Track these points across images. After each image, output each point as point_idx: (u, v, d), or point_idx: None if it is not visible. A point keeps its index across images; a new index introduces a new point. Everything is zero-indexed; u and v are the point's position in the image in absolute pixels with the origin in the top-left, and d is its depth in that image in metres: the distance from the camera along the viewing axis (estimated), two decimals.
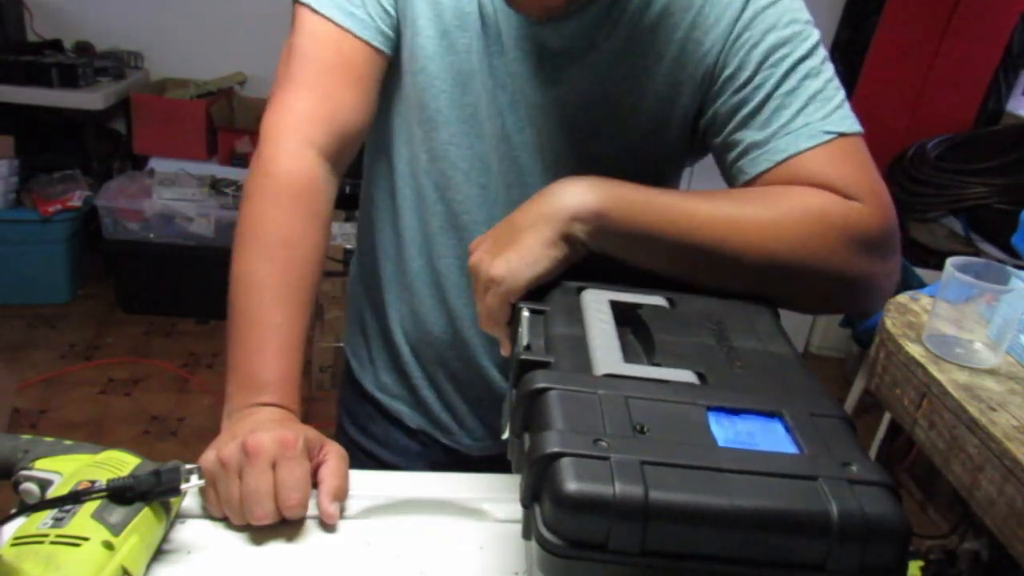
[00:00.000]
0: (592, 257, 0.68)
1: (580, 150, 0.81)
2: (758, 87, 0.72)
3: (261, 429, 0.64)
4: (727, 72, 0.74)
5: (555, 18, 0.75)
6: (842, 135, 0.71)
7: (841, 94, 0.73)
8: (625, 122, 0.79)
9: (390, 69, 0.83)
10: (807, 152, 0.70)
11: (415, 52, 0.79)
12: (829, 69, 0.73)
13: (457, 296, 0.89)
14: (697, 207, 0.67)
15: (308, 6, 0.77)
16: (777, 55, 0.72)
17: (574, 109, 0.79)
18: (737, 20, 0.73)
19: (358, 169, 0.95)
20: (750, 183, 0.73)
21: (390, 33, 0.79)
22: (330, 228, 0.80)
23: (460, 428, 0.98)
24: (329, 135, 0.78)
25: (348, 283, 1.05)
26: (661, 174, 0.84)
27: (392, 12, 0.79)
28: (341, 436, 1.07)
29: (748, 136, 0.73)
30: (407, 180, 0.87)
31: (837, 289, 0.69)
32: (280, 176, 0.76)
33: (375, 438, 1.02)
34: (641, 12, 0.75)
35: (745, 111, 0.73)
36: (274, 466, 0.62)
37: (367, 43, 0.78)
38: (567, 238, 0.65)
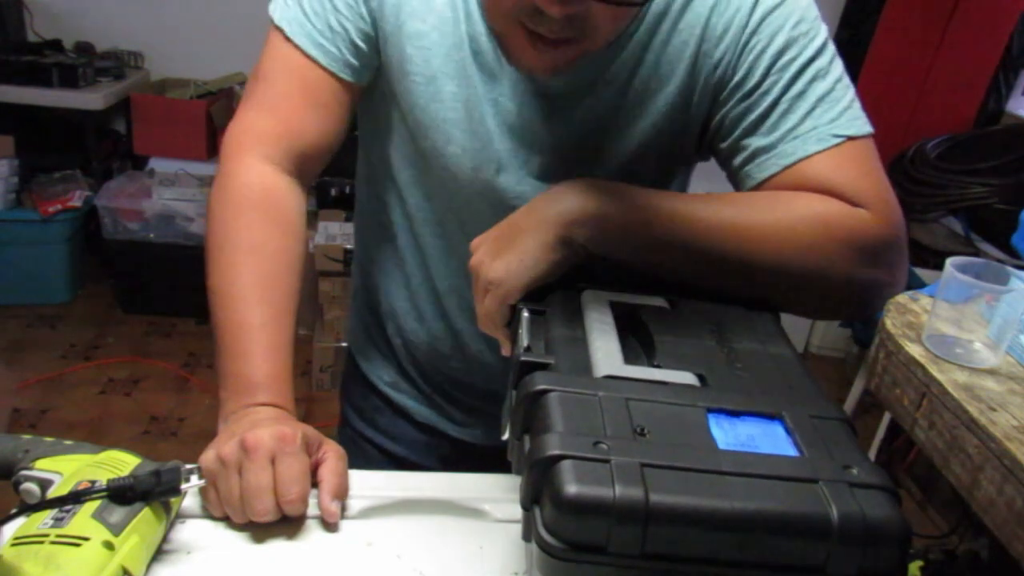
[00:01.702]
0: (594, 259, 0.67)
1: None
2: (765, 92, 0.71)
3: (259, 426, 0.64)
4: (736, 78, 0.73)
5: (538, 75, 0.74)
6: (851, 138, 0.70)
7: (850, 93, 0.72)
8: (634, 139, 0.78)
9: (380, 102, 0.83)
10: (815, 156, 0.69)
11: (403, 95, 0.79)
12: (838, 68, 0.72)
13: (459, 315, 0.89)
14: (699, 212, 0.67)
15: (281, 31, 0.78)
16: (785, 58, 0.71)
17: (577, 146, 0.78)
18: (745, 27, 0.72)
19: (355, 169, 0.95)
20: (757, 188, 0.73)
21: (358, 65, 0.79)
22: (301, 234, 0.81)
23: (465, 420, 0.98)
24: (287, 153, 0.79)
25: (352, 279, 1.05)
26: (665, 179, 0.84)
27: (364, 47, 0.78)
28: (346, 430, 1.07)
29: (755, 141, 0.72)
30: (399, 206, 0.87)
31: (840, 297, 0.69)
32: (238, 189, 0.77)
33: (384, 431, 1.02)
34: (648, 37, 0.74)
35: (753, 117, 0.72)
36: (273, 462, 0.62)
37: (333, 74, 0.78)
38: (567, 242, 0.65)
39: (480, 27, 0.75)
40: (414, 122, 0.79)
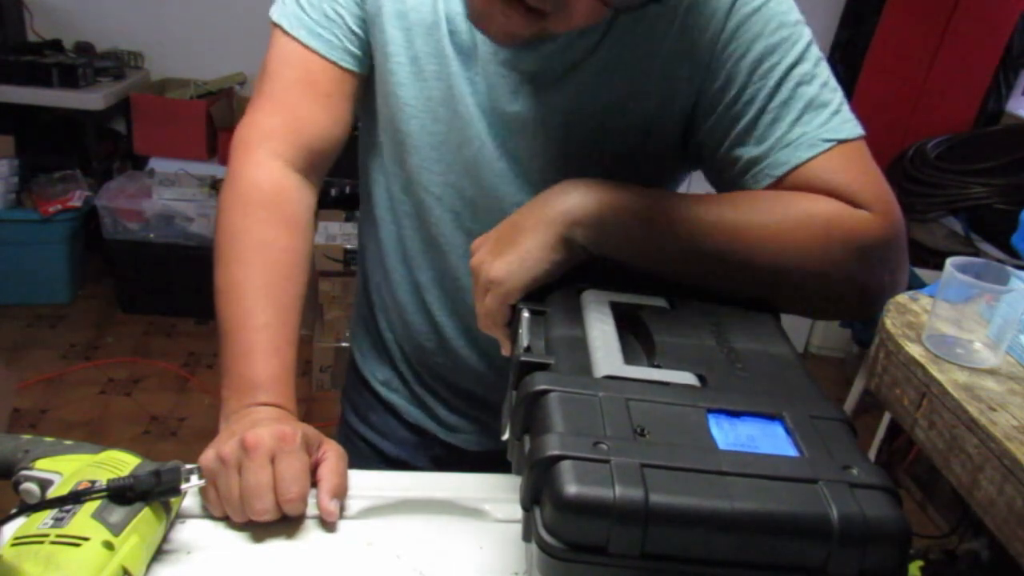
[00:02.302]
0: (594, 259, 0.67)
1: (564, 172, 0.80)
2: (749, 101, 0.70)
3: (260, 425, 0.64)
4: (716, 85, 0.72)
5: (524, 45, 0.73)
6: (842, 141, 0.69)
7: (838, 96, 0.71)
8: (611, 138, 0.77)
9: (367, 88, 0.84)
10: (809, 162, 0.68)
11: (386, 76, 0.80)
12: (824, 71, 0.71)
13: (439, 309, 0.89)
14: (700, 212, 0.67)
15: (280, 27, 0.80)
16: (766, 65, 0.70)
17: (556, 131, 0.77)
18: (722, 31, 0.70)
19: (355, 169, 0.95)
20: None
21: (358, 53, 0.80)
22: (309, 232, 0.82)
23: (456, 424, 0.98)
24: (296, 148, 0.80)
25: (356, 274, 1.06)
26: (653, 178, 0.83)
27: (362, 34, 0.80)
28: (343, 426, 1.07)
29: (745, 153, 0.71)
30: (385, 196, 0.88)
31: (840, 297, 0.69)
32: (248, 188, 0.78)
33: (375, 428, 1.03)
34: (624, 29, 0.73)
35: (739, 127, 0.71)
36: (273, 461, 0.62)
37: (333, 63, 0.79)
38: (567, 242, 0.65)
39: (457, 7, 0.75)
40: (398, 104, 0.80)
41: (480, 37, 0.75)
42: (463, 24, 0.75)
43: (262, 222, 0.77)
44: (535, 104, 0.77)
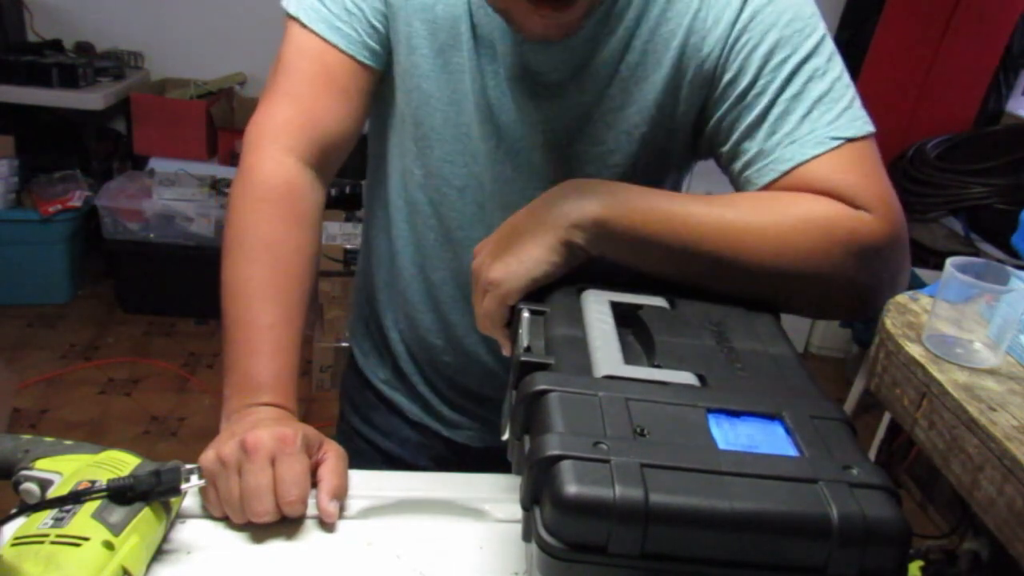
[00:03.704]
0: (594, 259, 0.67)
1: (580, 166, 0.80)
2: (760, 93, 0.71)
3: (260, 427, 0.64)
4: (727, 77, 0.72)
5: (546, 42, 0.74)
6: (850, 140, 0.69)
7: (850, 92, 0.71)
8: (626, 132, 0.78)
9: (384, 84, 0.83)
10: (814, 160, 0.69)
11: (410, 70, 0.79)
12: (837, 66, 0.71)
13: (452, 307, 0.89)
14: (700, 214, 0.66)
15: (297, 20, 0.78)
16: (778, 57, 0.70)
17: (574, 125, 0.78)
18: (735, 22, 0.71)
19: (358, 169, 0.95)
20: None
21: (377, 48, 0.80)
22: (318, 230, 0.81)
23: (460, 422, 0.98)
24: (310, 143, 0.79)
25: (356, 274, 1.06)
26: (661, 178, 0.84)
27: (381, 29, 0.79)
28: (343, 425, 1.07)
29: (753, 146, 0.72)
30: (400, 193, 0.87)
31: (841, 298, 0.69)
32: (260, 182, 0.77)
33: (378, 428, 1.02)
34: (636, 23, 0.74)
35: (749, 120, 0.72)
36: (273, 462, 0.62)
37: (352, 57, 0.79)
38: (567, 244, 0.65)
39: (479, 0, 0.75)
40: (423, 97, 0.79)
41: (500, 31, 0.75)
42: (485, 17, 0.75)
43: (272, 219, 0.76)
44: (550, 99, 0.77)
